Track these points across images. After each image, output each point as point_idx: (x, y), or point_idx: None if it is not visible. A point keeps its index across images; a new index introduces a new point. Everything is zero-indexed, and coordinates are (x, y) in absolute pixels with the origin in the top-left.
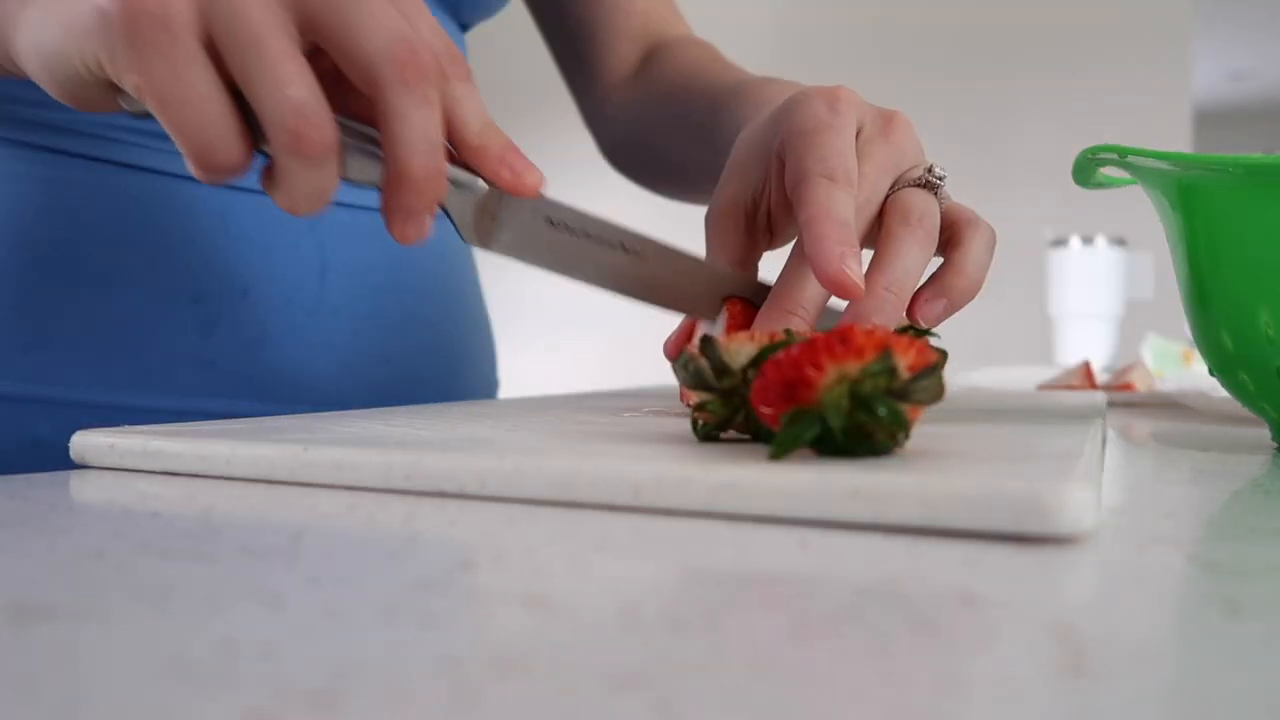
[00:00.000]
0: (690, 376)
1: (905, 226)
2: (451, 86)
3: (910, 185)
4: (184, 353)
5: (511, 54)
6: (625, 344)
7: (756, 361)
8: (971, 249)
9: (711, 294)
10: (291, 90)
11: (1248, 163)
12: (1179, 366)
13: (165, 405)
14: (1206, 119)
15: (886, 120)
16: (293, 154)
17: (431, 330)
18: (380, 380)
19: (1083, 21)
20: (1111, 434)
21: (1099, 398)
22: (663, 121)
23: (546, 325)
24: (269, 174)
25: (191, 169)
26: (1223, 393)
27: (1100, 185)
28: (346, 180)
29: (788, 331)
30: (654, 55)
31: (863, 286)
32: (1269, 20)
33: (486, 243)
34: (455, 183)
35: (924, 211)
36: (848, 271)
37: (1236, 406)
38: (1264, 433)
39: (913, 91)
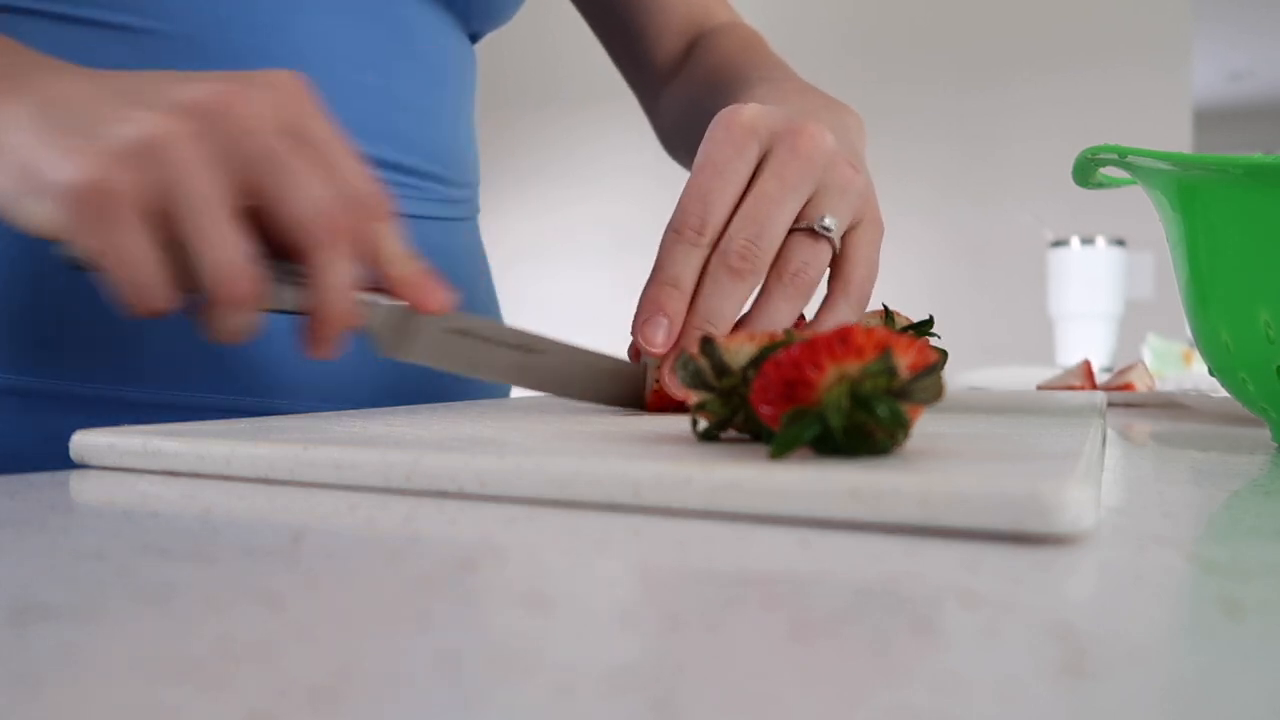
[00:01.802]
0: (690, 376)
1: (778, 282)
2: (373, 230)
3: (801, 230)
4: (194, 348)
5: (515, 58)
6: (625, 344)
7: (756, 362)
8: (854, 256)
9: (606, 384)
10: (224, 254)
11: (1248, 163)
12: (1179, 366)
13: (175, 400)
14: (1206, 119)
15: (795, 133)
16: (223, 303)
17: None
18: (392, 378)
19: (1082, 22)
20: (1111, 434)
21: (1099, 398)
22: (697, 113)
23: (547, 325)
24: (201, 311)
25: (122, 306)
26: (1223, 393)
27: (1100, 185)
28: (274, 310)
29: (788, 331)
30: (695, 46)
31: (659, 348)
32: (1269, 20)
33: (398, 353)
34: (375, 305)
35: (803, 264)
36: (642, 337)
37: (1236, 406)
38: (1264, 433)
39: (913, 92)
